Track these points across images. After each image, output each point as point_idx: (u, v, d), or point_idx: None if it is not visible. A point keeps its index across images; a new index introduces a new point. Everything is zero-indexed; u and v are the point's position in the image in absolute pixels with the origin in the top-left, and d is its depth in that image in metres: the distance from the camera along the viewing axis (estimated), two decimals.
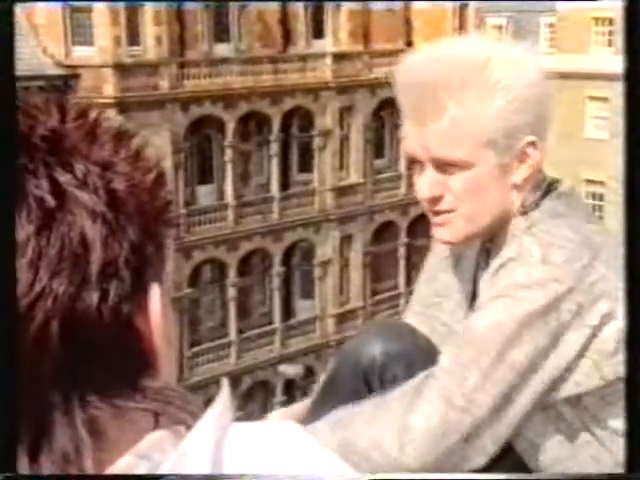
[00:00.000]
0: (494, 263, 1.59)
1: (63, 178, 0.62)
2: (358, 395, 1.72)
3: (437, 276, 1.85)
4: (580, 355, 1.53)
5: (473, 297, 1.73)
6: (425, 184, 1.59)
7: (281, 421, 0.72)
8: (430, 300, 1.85)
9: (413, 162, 1.61)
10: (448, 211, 1.59)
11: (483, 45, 1.60)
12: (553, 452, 1.60)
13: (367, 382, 1.75)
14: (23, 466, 0.60)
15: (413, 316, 1.88)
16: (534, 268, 1.51)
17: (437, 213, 1.60)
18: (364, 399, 1.68)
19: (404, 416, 1.54)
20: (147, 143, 0.69)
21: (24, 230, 0.61)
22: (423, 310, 1.86)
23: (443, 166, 1.56)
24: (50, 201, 0.61)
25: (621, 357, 1.51)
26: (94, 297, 0.61)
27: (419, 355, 1.73)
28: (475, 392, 1.51)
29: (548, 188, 1.62)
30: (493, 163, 1.55)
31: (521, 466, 1.63)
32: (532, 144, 1.56)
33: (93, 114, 0.68)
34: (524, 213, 1.60)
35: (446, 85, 1.52)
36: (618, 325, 1.50)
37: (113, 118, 0.71)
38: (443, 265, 1.84)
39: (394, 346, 1.75)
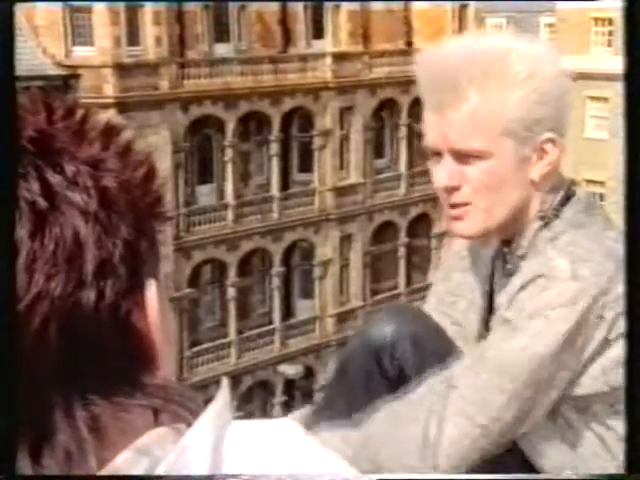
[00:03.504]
0: (521, 276, 1.58)
1: (54, 180, 0.62)
2: (370, 374, 1.76)
3: (451, 275, 1.87)
4: (593, 359, 1.54)
5: (490, 298, 1.74)
6: (443, 173, 1.59)
7: (280, 419, 0.72)
8: (445, 299, 1.87)
9: (433, 154, 1.62)
10: (464, 204, 1.59)
11: (503, 38, 1.62)
12: (558, 459, 1.61)
13: (379, 360, 1.78)
14: (25, 467, 0.60)
15: (429, 312, 1.90)
16: (566, 285, 1.51)
17: (453, 206, 1.60)
18: (376, 379, 1.73)
19: (426, 435, 1.56)
20: (136, 137, 0.69)
21: (17, 234, 0.60)
22: (438, 307, 1.87)
23: (462, 157, 1.57)
24: (42, 203, 0.61)
25: None
26: (91, 296, 0.61)
27: (429, 336, 1.77)
28: (499, 412, 1.53)
29: (567, 193, 1.62)
30: (512, 155, 1.56)
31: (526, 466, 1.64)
32: (551, 141, 1.57)
33: (80, 112, 0.67)
34: (543, 218, 1.60)
35: (468, 75, 1.54)
36: None
37: (101, 114, 0.70)
38: (458, 265, 1.85)
39: (405, 326, 1.78)
